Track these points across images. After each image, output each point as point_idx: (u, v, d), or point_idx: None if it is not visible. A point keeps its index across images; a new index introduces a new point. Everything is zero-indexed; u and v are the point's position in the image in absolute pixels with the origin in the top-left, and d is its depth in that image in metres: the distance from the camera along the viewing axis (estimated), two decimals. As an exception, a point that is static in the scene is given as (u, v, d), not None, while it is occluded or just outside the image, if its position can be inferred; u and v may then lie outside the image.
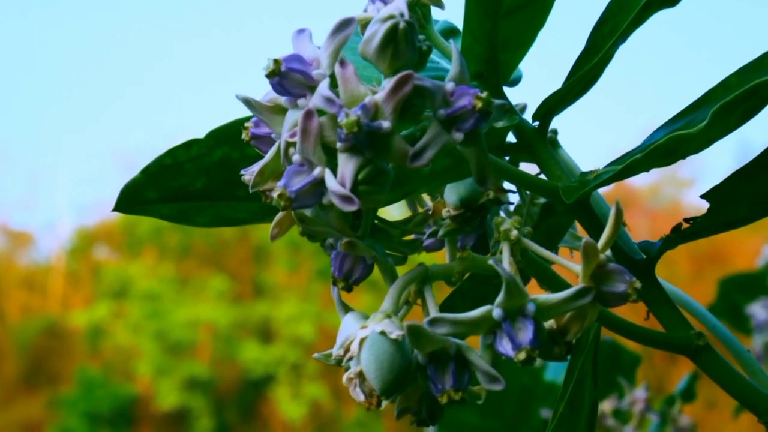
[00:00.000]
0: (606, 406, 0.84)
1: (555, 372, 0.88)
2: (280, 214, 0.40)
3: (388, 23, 0.36)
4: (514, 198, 0.50)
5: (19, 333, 7.28)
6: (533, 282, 0.43)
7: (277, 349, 6.87)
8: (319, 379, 6.72)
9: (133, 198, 0.46)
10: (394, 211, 0.52)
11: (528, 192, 0.49)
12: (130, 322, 7.11)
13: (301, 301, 6.99)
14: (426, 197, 0.49)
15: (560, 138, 0.49)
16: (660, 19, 0.46)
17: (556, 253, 0.45)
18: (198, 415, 6.80)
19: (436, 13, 0.46)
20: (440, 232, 0.46)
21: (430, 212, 0.46)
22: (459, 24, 0.51)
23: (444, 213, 0.45)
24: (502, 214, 0.49)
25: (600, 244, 0.37)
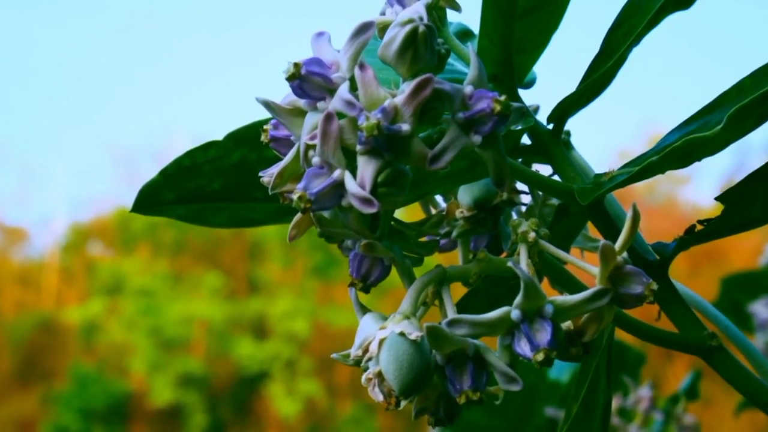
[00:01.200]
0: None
1: (559, 370, 0.88)
2: (298, 216, 0.40)
3: (408, 27, 0.36)
4: (526, 199, 0.50)
5: (13, 329, 7.27)
6: (545, 282, 0.43)
7: (271, 346, 6.86)
8: (314, 375, 6.72)
9: (151, 199, 0.46)
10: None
11: (540, 193, 0.50)
12: (124, 318, 7.10)
13: (296, 298, 6.99)
14: (439, 198, 0.50)
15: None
16: (665, 19, 0.46)
17: (568, 253, 0.45)
18: (192, 411, 6.80)
19: (449, 15, 0.46)
20: (454, 233, 0.46)
21: (444, 213, 0.46)
22: (472, 26, 0.51)
23: (458, 214, 0.45)
24: (514, 215, 0.49)
25: (617, 246, 0.38)
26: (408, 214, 0.49)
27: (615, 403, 0.85)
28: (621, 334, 0.45)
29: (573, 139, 0.49)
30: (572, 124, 0.49)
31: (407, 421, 0.40)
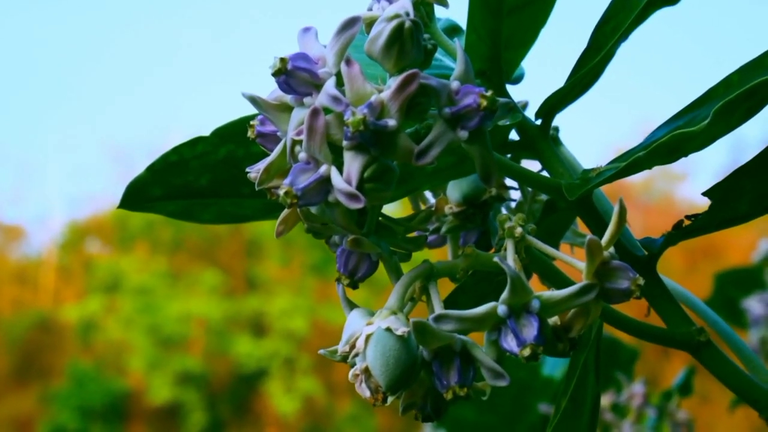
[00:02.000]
0: (604, 400, 0.85)
1: (552, 367, 0.88)
2: (285, 212, 0.40)
3: (394, 22, 0.36)
4: (515, 195, 0.50)
5: (11, 327, 7.27)
6: (535, 278, 0.43)
7: (270, 344, 6.87)
8: (313, 373, 6.73)
9: (139, 195, 0.46)
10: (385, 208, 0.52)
11: (529, 189, 0.50)
12: (122, 316, 7.11)
13: (294, 296, 6.99)
14: (428, 194, 0.50)
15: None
16: (656, 14, 0.46)
17: (558, 249, 0.45)
18: (191, 409, 6.81)
19: (437, 11, 0.46)
20: (443, 229, 0.46)
21: (432, 209, 0.46)
22: (460, 22, 0.51)
23: (446, 210, 0.46)
24: (503, 210, 0.49)
25: (603, 241, 0.38)
26: (402, 210, 0.49)
27: (608, 399, 0.86)
28: (616, 331, 0.45)
29: (570, 137, 0.49)
30: (569, 122, 0.49)
31: (405, 419, 0.40)
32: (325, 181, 0.36)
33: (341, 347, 0.38)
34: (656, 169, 0.41)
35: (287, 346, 6.85)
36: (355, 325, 0.38)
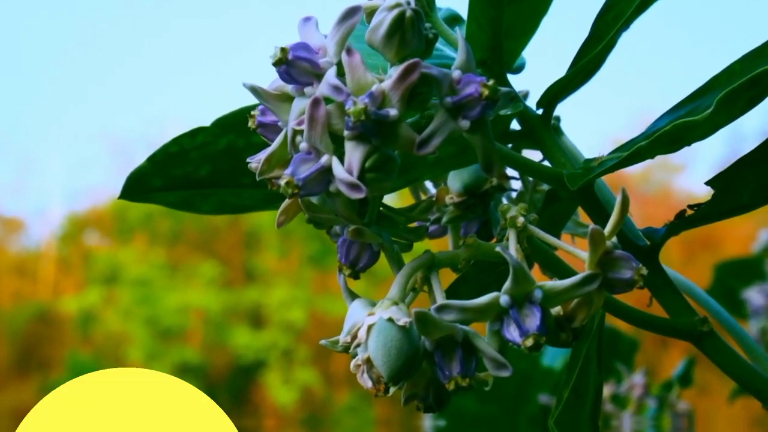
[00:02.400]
0: (604, 391, 0.85)
1: (552, 357, 0.89)
2: (286, 202, 0.40)
3: (395, 11, 0.36)
4: (516, 184, 0.50)
5: (10, 319, 7.27)
6: (536, 268, 0.43)
7: (268, 335, 6.87)
8: (311, 364, 6.73)
9: (139, 186, 0.46)
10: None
11: (531, 179, 0.49)
12: (121, 307, 7.11)
13: (292, 287, 6.98)
14: (429, 184, 0.50)
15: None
16: (656, 5, 0.46)
17: (559, 239, 0.45)
18: (189, 400, 6.80)
19: (437, 0, 0.46)
20: (443, 219, 0.46)
21: (433, 199, 0.46)
22: (461, 11, 0.51)
23: (447, 200, 0.45)
24: (504, 200, 0.49)
25: (606, 230, 0.37)
26: (402, 200, 0.49)
27: (609, 390, 0.86)
28: (615, 322, 0.44)
29: (569, 128, 0.49)
30: (568, 113, 0.49)
31: (404, 410, 0.40)
32: (327, 171, 0.36)
33: (343, 338, 0.38)
34: (654, 159, 0.41)
35: (285, 338, 6.85)
36: (357, 315, 0.38)
